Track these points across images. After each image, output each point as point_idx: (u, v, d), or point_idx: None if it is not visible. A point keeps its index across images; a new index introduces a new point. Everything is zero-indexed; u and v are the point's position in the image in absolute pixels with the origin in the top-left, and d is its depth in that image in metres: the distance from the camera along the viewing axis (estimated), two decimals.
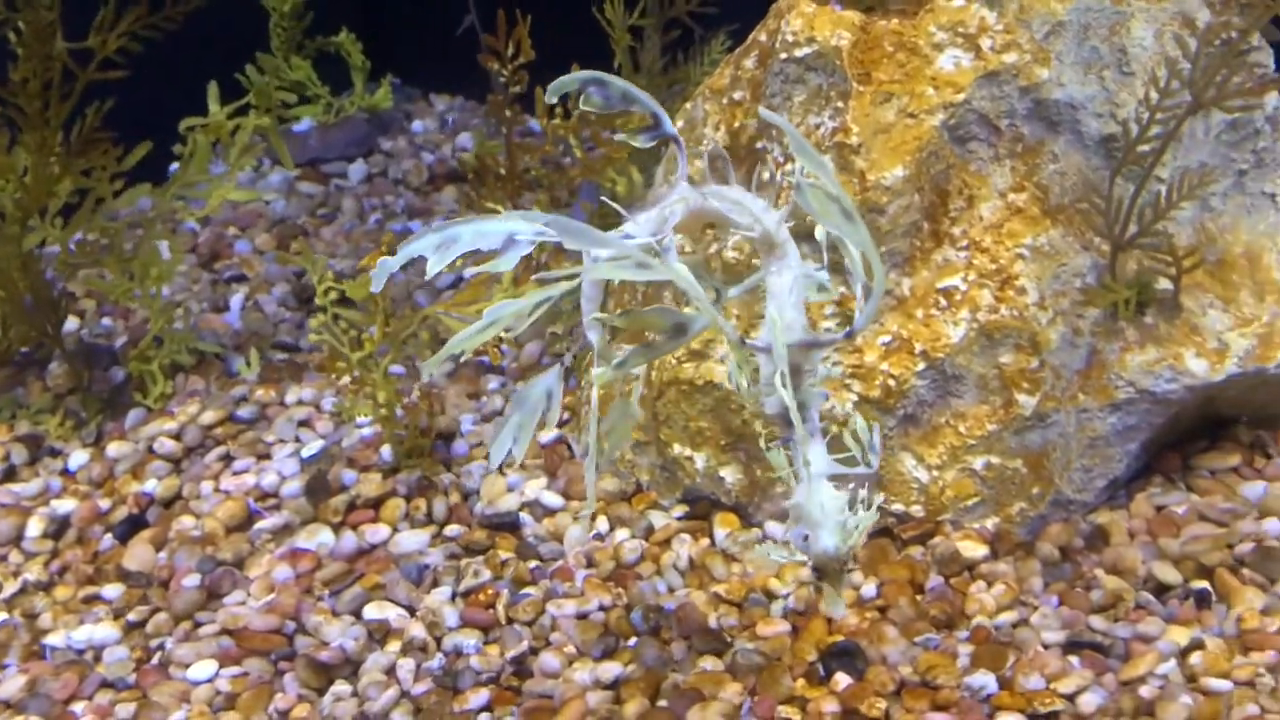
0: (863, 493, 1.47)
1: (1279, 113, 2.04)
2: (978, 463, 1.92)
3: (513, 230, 1.38)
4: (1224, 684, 1.67)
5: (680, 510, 2.04)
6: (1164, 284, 1.95)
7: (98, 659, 1.87)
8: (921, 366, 1.90)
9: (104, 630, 1.90)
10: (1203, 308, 1.97)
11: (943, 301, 1.93)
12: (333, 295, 2.02)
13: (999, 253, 1.93)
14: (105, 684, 1.83)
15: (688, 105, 2.17)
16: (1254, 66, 1.92)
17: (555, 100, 1.56)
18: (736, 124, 2.05)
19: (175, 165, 2.40)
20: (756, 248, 1.53)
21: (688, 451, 2.03)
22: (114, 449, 2.25)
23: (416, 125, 3.32)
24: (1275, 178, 2.06)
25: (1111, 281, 1.94)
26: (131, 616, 1.92)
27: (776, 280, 1.49)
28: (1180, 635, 1.74)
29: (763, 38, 2.07)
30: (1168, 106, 1.84)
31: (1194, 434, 2.06)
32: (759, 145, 2.02)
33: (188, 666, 1.83)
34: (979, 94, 1.92)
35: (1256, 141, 2.03)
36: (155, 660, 1.86)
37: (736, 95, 2.07)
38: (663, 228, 1.50)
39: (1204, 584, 1.82)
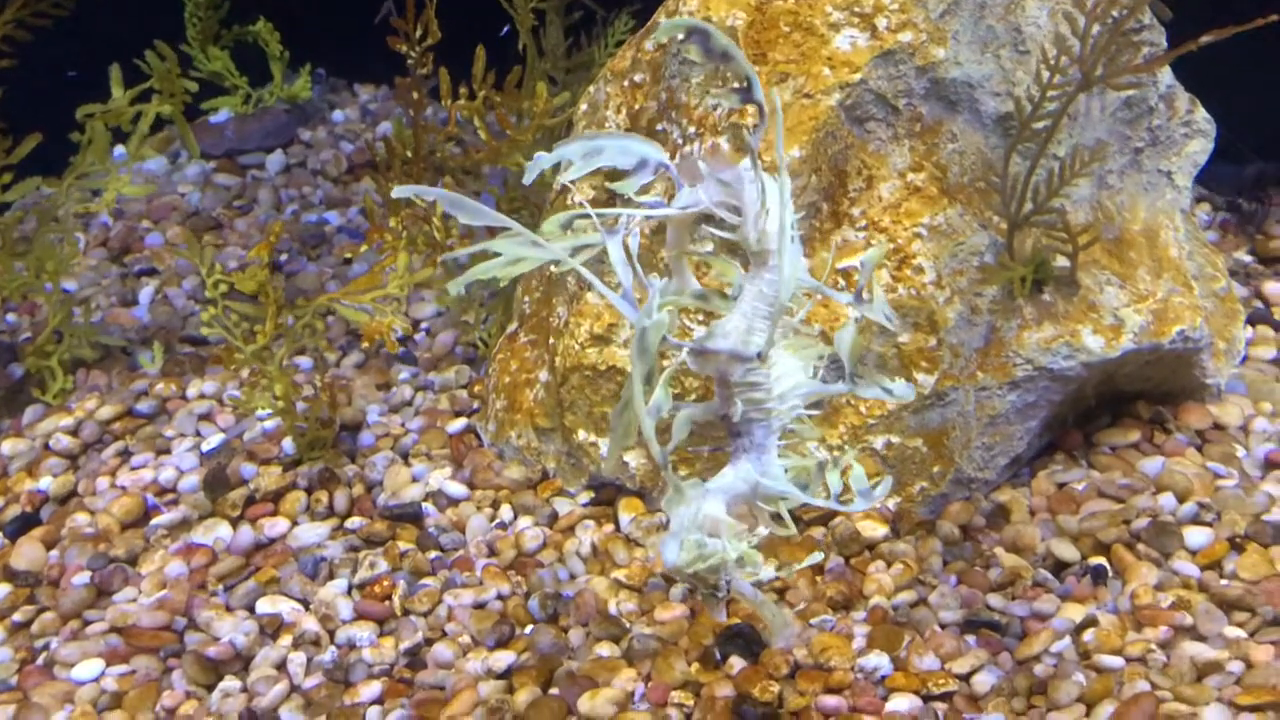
0: (760, 529, 1.49)
1: (1172, 91, 2.05)
2: (878, 442, 1.91)
3: (646, 154, 1.48)
4: (1116, 661, 1.67)
5: (585, 497, 2.02)
6: (1062, 261, 1.95)
7: None
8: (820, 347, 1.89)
9: None
10: (1100, 285, 1.98)
11: (841, 282, 1.92)
12: (222, 288, 1.98)
13: (897, 232, 1.92)
14: None
15: (591, 88, 2.14)
16: (1145, 45, 1.92)
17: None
18: (637, 106, 2.03)
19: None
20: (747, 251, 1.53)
21: (592, 438, 2.01)
22: (8, 446, 2.19)
23: (337, 115, 3.27)
24: (1171, 155, 2.07)
25: (1009, 260, 1.93)
26: (17, 617, 1.87)
27: (746, 287, 1.50)
28: (1075, 612, 1.74)
29: (663, 19, 2.05)
30: (1060, 84, 1.83)
31: (1097, 411, 2.07)
32: (659, 127, 2.00)
33: (72, 666, 1.79)
34: (876, 74, 1.91)
35: (1151, 119, 2.04)
36: (39, 661, 1.81)
37: (637, 78, 2.05)
38: (698, 201, 1.51)
39: (1101, 560, 1.82)
